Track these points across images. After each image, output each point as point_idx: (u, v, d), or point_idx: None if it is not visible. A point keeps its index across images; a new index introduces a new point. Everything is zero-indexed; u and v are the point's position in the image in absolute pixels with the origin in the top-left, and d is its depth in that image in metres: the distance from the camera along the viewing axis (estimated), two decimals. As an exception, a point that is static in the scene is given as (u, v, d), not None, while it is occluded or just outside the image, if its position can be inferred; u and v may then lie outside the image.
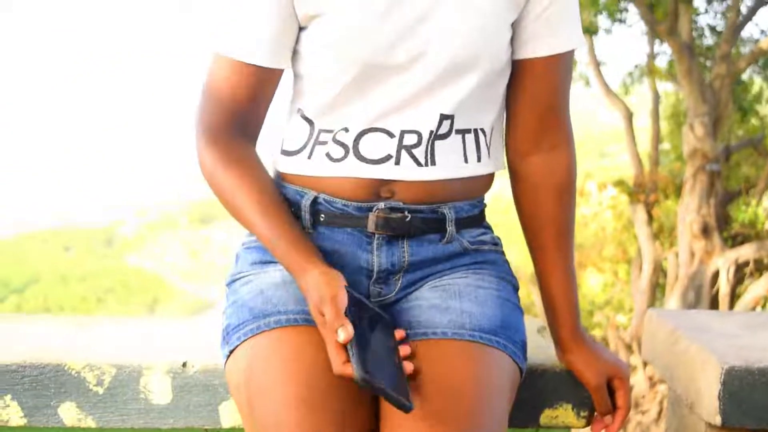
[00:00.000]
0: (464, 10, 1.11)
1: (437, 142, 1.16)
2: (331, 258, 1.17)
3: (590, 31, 7.60)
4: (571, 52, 1.20)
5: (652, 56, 8.74)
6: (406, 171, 1.15)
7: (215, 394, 1.30)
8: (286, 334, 1.08)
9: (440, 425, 0.99)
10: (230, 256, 1.28)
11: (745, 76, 8.30)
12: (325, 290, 1.02)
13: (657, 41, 8.47)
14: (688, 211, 7.24)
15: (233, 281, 1.22)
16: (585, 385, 1.24)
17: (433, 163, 1.16)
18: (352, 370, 0.96)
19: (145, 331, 1.54)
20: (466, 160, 1.18)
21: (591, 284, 11.31)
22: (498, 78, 1.17)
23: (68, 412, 1.30)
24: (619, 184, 8.67)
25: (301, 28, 1.15)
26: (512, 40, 1.18)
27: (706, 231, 7.11)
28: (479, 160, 1.20)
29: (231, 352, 1.13)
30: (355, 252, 1.18)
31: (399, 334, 1.08)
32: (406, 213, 1.16)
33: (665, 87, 9.72)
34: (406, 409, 0.96)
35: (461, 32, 1.11)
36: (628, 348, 7.91)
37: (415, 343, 1.10)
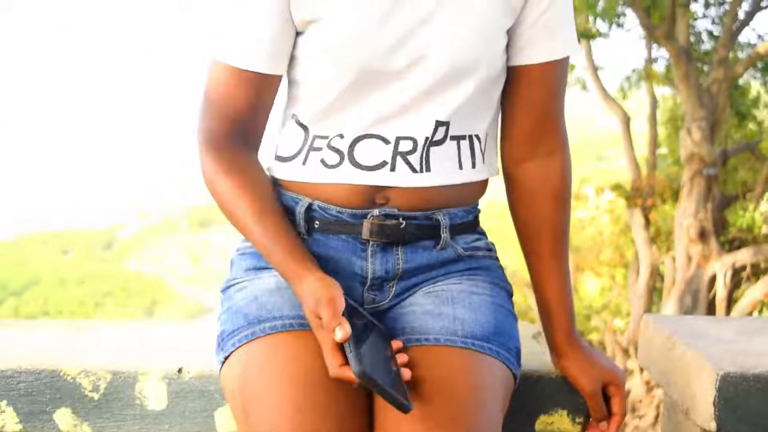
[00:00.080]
0: (464, 14, 1.11)
1: (432, 149, 1.16)
2: (325, 264, 1.17)
3: (588, 35, 7.61)
4: (566, 58, 1.20)
5: (649, 61, 8.75)
6: (402, 177, 1.15)
7: (211, 400, 1.30)
8: (281, 339, 1.08)
9: (434, 430, 0.99)
10: (230, 258, 1.28)
11: (742, 81, 8.32)
12: (322, 293, 1.02)
13: (655, 46, 8.49)
14: (685, 216, 7.24)
15: (228, 287, 1.23)
16: (580, 391, 1.24)
17: (428, 169, 1.16)
18: (349, 371, 0.96)
19: (142, 336, 1.54)
20: (460, 167, 1.19)
21: (588, 288, 11.32)
22: (493, 84, 1.18)
23: (63, 418, 1.30)
24: (617, 188, 8.67)
25: (298, 34, 1.15)
26: (508, 46, 1.18)
27: (703, 235, 7.12)
28: (474, 166, 1.20)
29: (226, 358, 1.13)
30: (349, 258, 1.18)
31: (396, 344, 1.08)
32: (400, 220, 1.17)
33: (663, 91, 9.74)
34: (405, 408, 0.95)
35: (462, 36, 1.11)
36: (625, 352, 7.91)
37: (409, 348, 1.10)
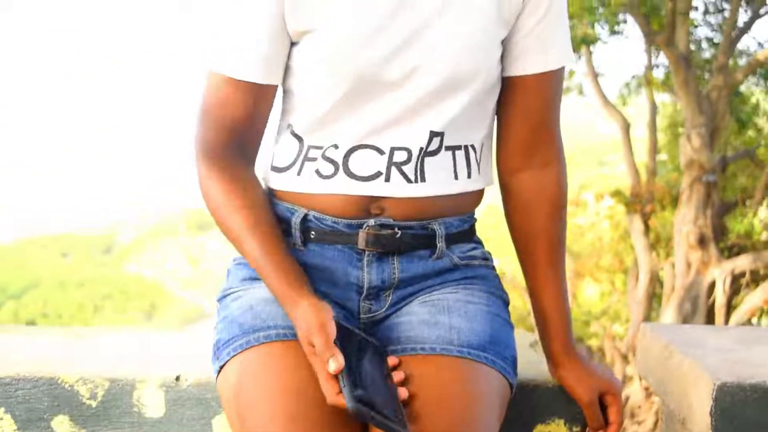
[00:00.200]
0: (458, 25, 1.11)
1: (427, 159, 1.16)
2: (321, 275, 1.17)
3: (587, 41, 7.62)
4: (561, 68, 1.20)
5: (649, 67, 8.76)
6: (396, 188, 1.16)
7: (208, 407, 1.30)
8: (275, 348, 1.08)
9: None
10: (227, 264, 1.28)
11: (744, 88, 8.33)
12: (313, 320, 1.02)
13: (654, 52, 8.50)
14: (684, 222, 7.24)
15: (224, 296, 1.23)
16: (577, 400, 1.24)
17: (423, 179, 1.16)
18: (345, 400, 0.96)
19: (140, 343, 1.54)
20: (456, 177, 1.19)
21: (587, 294, 11.31)
22: (488, 95, 1.18)
23: (61, 426, 1.30)
24: (616, 194, 8.67)
25: (293, 44, 1.15)
26: (502, 56, 1.18)
27: (702, 242, 7.12)
28: (469, 176, 1.20)
29: (221, 367, 1.13)
30: (345, 269, 1.19)
31: (392, 361, 1.08)
32: (396, 230, 1.17)
33: (662, 98, 9.74)
34: None
35: (456, 47, 1.11)
36: (624, 358, 7.91)
37: (405, 358, 1.10)
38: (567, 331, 1.25)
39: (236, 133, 1.16)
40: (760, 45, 8.27)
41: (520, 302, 8.69)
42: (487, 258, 1.28)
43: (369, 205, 1.17)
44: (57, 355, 1.42)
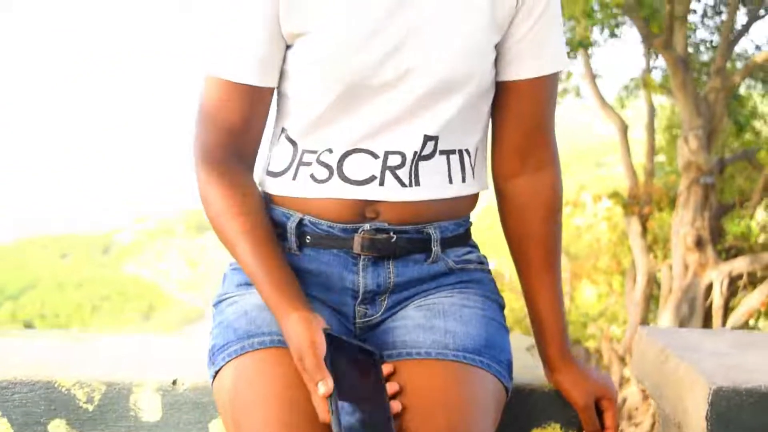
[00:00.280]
0: (452, 29, 1.11)
1: (421, 163, 1.16)
2: (317, 279, 1.17)
3: (585, 44, 7.63)
4: (555, 73, 1.20)
5: (647, 70, 8.78)
6: (391, 192, 1.16)
7: (205, 411, 1.30)
8: (270, 354, 1.08)
9: None
10: (226, 265, 1.29)
11: (741, 91, 8.35)
12: (303, 335, 1.02)
13: (653, 55, 8.51)
14: (682, 224, 7.26)
15: (219, 302, 1.23)
16: (573, 405, 1.24)
17: (417, 183, 1.16)
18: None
19: (137, 346, 1.54)
20: (450, 181, 1.19)
21: (585, 295, 11.32)
22: (482, 98, 1.18)
23: (58, 430, 1.30)
24: (614, 196, 8.69)
25: (287, 47, 1.15)
26: (496, 61, 1.18)
27: (700, 244, 7.13)
28: (464, 180, 1.20)
29: (217, 372, 1.13)
30: (341, 273, 1.19)
31: (386, 369, 1.08)
32: (391, 234, 1.17)
33: (660, 100, 9.76)
34: None
35: (449, 51, 1.11)
36: (621, 360, 7.92)
37: (400, 362, 1.10)
38: (563, 335, 1.25)
39: (233, 137, 1.16)
40: (758, 48, 8.29)
41: (517, 305, 8.70)
42: (482, 262, 1.28)
43: (364, 209, 1.17)
44: (54, 358, 1.42)
